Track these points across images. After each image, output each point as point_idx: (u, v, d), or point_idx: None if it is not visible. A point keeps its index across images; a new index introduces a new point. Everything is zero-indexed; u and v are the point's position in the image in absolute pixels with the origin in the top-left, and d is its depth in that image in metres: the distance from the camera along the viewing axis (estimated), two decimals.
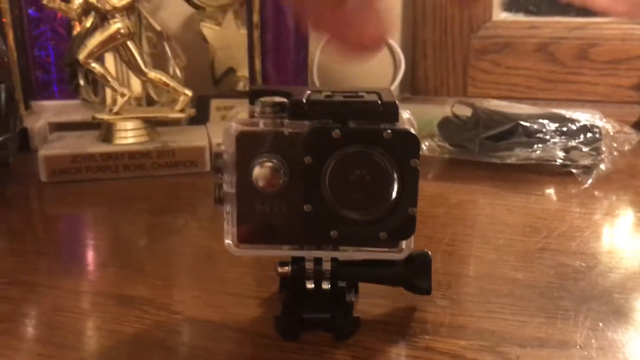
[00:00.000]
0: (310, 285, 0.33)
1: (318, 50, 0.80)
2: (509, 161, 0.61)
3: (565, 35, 0.82)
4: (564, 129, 0.63)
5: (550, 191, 0.57)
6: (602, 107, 0.74)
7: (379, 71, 0.87)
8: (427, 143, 0.67)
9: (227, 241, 0.32)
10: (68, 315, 0.36)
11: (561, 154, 0.61)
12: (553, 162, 0.61)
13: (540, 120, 0.63)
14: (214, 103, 0.75)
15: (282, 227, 0.32)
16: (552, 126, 0.63)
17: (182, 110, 0.64)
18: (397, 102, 0.29)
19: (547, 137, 0.62)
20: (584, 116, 0.65)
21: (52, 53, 0.81)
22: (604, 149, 0.62)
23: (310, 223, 0.30)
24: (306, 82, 0.74)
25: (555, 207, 0.54)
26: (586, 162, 0.61)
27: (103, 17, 0.61)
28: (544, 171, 0.61)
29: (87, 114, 0.68)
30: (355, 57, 0.25)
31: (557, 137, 0.62)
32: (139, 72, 0.63)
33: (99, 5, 0.60)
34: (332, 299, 0.34)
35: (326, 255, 0.33)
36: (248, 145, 0.30)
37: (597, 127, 0.63)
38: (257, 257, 0.42)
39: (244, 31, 0.75)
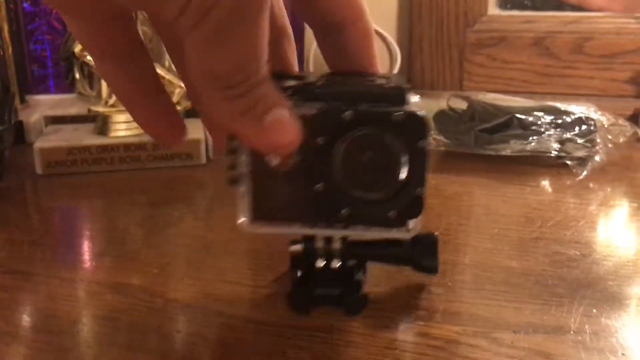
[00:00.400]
0: (320, 263, 0.34)
1: (314, 44, 0.80)
2: (504, 153, 0.61)
3: (561, 30, 0.82)
4: (559, 121, 0.63)
5: (545, 182, 0.58)
6: (597, 101, 0.74)
7: None
8: None
9: (242, 219, 0.32)
10: (63, 303, 0.36)
11: (556, 145, 0.61)
12: (548, 154, 0.61)
13: (536, 113, 0.63)
14: None
15: (295, 206, 0.32)
16: (547, 118, 0.63)
17: (177, 103, 0.64)
18: (406, 85, 0.30)
19: (542, 129, 0.62)
20: (578, 109, 0.66)
21: (48, 47, 0.81)
22: (598, 140, 0.62)
23: (321, 202, 0.31)
24: None
25: (550, 198, 0.54)
26: (581, 154, 0.61)
27: None
28: (539, 163, 0.61)
29: (83, 108, 0.68)
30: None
31: (552, 129, 0.62)
32: None
33: None
34: (341, 277, 0.35)
35: (337, 234, 0.34)
36: None
37: (592, 119, 0.63)
38: (256, 244, 0.42)
39: None
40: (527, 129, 0.62)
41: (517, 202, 0.52)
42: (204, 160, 0.63)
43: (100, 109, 0.63)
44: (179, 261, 0.42)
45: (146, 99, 0.28)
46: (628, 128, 0.65)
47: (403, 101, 0.30)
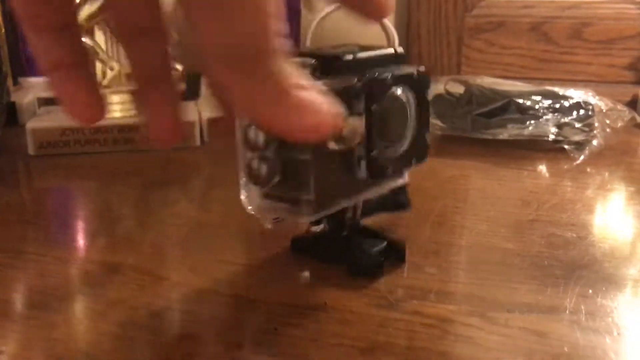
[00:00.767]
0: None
1: (313, 24, 0.79)
2: (501, 137, 0.61)
3: (559, 15, 0.81)
4: (557, 105, 0.62)
5: (542, 167, 0.57)
6: (595, 87, 0.74)
7: None
8: None
9: (304, 210, 0.31)
10: (53, 281, 0.35)
11: (554, 130, 0.61)
12: (545, 138, 0.61)
13: (533, 97, 0.63)
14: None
15: (340, 185, 0.33)
16: (545, 103, 0.62)
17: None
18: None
19: (540, 113, 0.61)
20: (577, 93, 0.65)
21: None
22: (596, 125, 0.62)
23: (374, 167, 0.32)
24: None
25: (547, 181, 0.54)
26: (578, 138, 0.60)
27: None
28: (536, 147, 0.61)
29: None
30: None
31: (550, 114, 0.62)
32: None
33: None
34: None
35: (365, 198, 0.35)
36: None
37: (590, 104, 0.63)
38: (249, 225, 0.42)
39: None
40: (524, 113, 0.62)
41: (513, 186, 0.52)
42: (198, 142, 0.62)
43: None
44: (171, 241, 0.42)
45: (70, 69, 0.25)
46: (626, 113, 0.64)
47: (408, 62, 0.35)
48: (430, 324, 0.31)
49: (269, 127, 0.23)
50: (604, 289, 0.34)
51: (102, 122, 0.60)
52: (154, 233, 0.43)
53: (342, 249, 0.36)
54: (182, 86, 0.65)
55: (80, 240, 0.42)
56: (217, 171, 0.57)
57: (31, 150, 0.59)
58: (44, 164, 0.58)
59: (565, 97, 0.63)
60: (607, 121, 0.62)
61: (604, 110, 0.63)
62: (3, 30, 0.71)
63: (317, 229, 0.37)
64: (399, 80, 0.33)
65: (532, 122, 0.61)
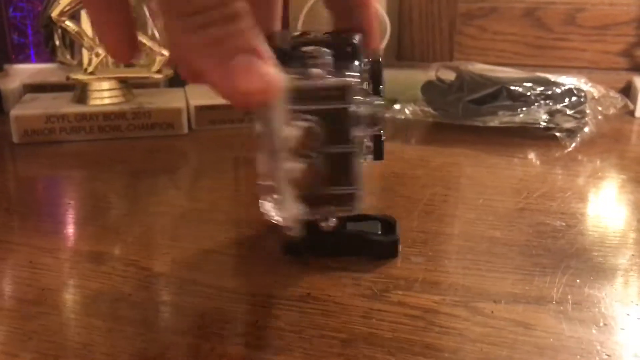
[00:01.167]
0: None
1: (304, 11, 0.78)
2: (492, 124, 0.60)
3: (552, 0, 0.80)
4: (549, 92, 0.62)
5: (533, 154, 0.57)
6: (589, 73, 0.73)
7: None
8: (410, 107, 0.66)
9: (356, 205, 0.30)
10: (33, 271, 0.35)
11: (545, 117, 0.60)
12: (537, 126, 0.60)
13: (525, 84, 0.62)
14: None
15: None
16: (537, 90, 0.62)
17: (158, 71, 0.62)
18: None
19: (531, 100, 0.61)
20: (569, 80, 0.64)
21: (28, 15, 0.79)
22: (588, 112, 0.61)
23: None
24: None
25: (537, 169, 0.53)
26: (570, 125, 0.60)
27: None
28: (528, 135, 0.60)
29: (63, 77, 0.67)
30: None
31: (542, 101, 0.61)
32: None
33: None
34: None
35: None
36: None
37: (582, 90, 0.62)
38: (236, 214, 0.41)
39: None
40: (516, 100, 0.61)
41: (503, 174, 0.51)
42: (185, 130, 0.62)
43: (79, 76, 0.61)
44: (155, 230, 0.41)
45: (119, 26, 0.26)
46: (619, 100, 0.64)
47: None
48: (415, 315, 0.30)
49: (216, 85, 0.22)
50: (591, 278, 0.34)
51: (87, 109, 0.59)
52: (138, 222, 0.42)
53: (349, 241, 0.35)
54: (170, 72, 0.64)
55: (64, 230, 0.42)
56: (205, 159, 0.56)
57: (15, 138, 0.58)
58: (29, 152, 0.57)
59: (557, 84, 0.63)
60: (600, 108, 0.62)
61: (596, 97, 0.63)
62: None
63: (329, 224, 0.33)
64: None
65: (524, 109, 0.60)
